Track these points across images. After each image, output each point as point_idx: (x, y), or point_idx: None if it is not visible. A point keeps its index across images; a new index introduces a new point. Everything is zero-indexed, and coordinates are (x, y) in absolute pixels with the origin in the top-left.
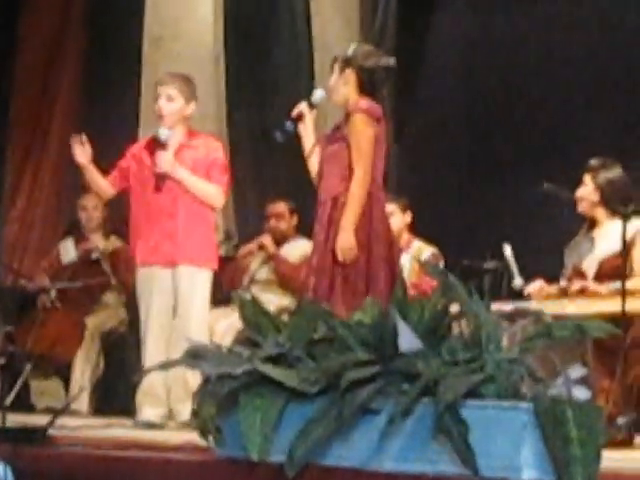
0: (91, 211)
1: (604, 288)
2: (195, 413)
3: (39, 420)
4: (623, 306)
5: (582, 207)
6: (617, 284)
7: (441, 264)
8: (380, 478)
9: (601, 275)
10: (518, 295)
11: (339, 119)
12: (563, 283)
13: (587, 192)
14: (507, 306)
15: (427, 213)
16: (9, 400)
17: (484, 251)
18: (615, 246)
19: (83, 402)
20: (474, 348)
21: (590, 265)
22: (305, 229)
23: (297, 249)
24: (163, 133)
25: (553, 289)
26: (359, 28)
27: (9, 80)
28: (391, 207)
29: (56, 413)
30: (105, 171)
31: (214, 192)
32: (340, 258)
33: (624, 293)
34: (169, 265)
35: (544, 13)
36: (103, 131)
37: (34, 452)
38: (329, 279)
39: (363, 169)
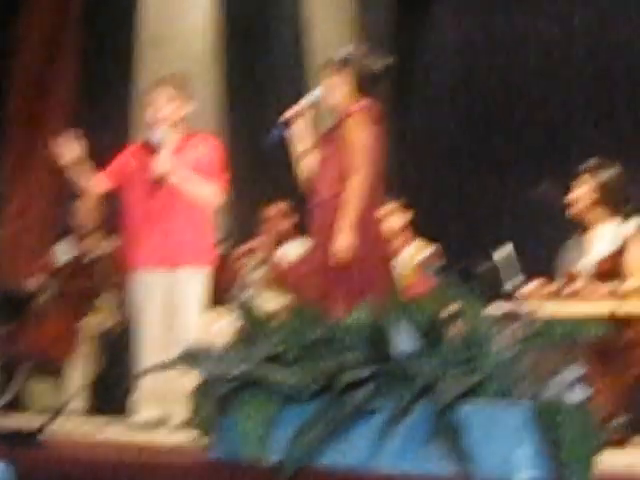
0: (88, 213)
1: (598, 290)
2: (192, 414)
3: (34, 422)
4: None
5: (577, 208)
6: (613, 285)
7: (439, 264)
8: (377, 479)
9: (597, 276)
10: (514, 297)
11: (335, 120)
12: (559, 284)
13: (583, 193)
14: (504, 307)
15: (426, 213)
16: (5, 401)
17: (483, 251)
18: (610, 247)
19: (78, 404)
20: (471, 349)
21: (585, 267)
22: (304, 230)
23: (295, 249)
24: (158, 134)
25: (550, 290)
26: (355, 29)
27: (6, 80)
28: (390, 207)
29: (52, 414)
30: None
31: (212, 192)
32: (339, 259)
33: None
34: (167, 267)
35: (544, 13)
36: (100, 131)
37: (30, 453)
38: (328, 280)
39: (362, 170)
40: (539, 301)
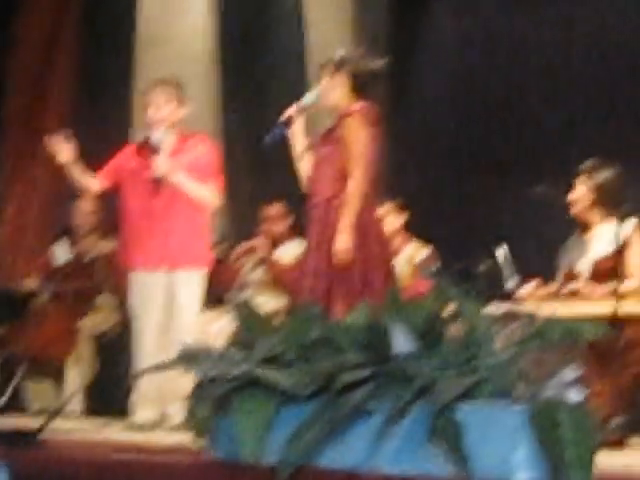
0: (86, 214)
1: (596, 290)
2: (189, 415)
3: (33, 422)
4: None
5: (576, 209)
6: (611, 285)
7: (436, 265)
8: None
9: (595, 276)
10: (512, 297)
11: (331, 122)
12: (557, 285)
13: (582, 194)
14: (502, 308)
15: (424, 213)
16: (3, 401)
17: (480, 252)
18: (609, 248)
19: (77, 404)
20: (468, 350)
21: (584, 267)
22: (300, 231)
23: (292, 251)
24: (155, 136)
25: (547, 291)
26: (354, 29)
27: (5, 80)
28: (386, 207)
29: (50, 415)
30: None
31: (209, 193)
32: (338, 260)
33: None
34: (166, 267)
35: (544, 13)
36: (97, 132)
37: (28, 454)
38: (327, 281)
39: (360, 171)
40: (537, 302)
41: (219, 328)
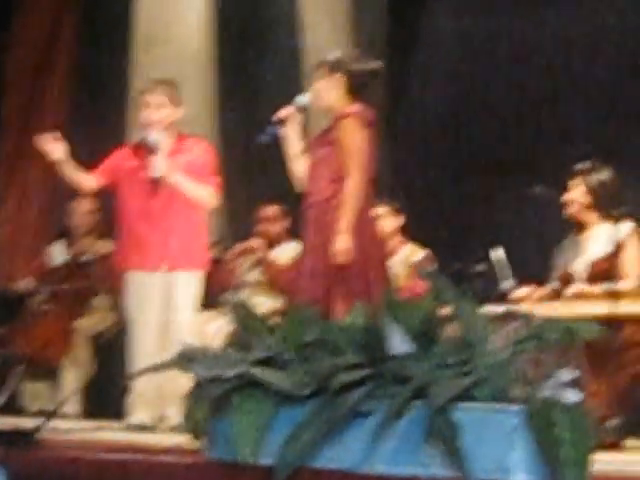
0: (83, 215)
1: (598, 289)
2: (186, 416)
3: (30, 423)
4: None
5: (572, 210)
6: (607, 286)
7: (433, 267)
8: None
9: (591, 277)
10: (508, 298)
11: (326, 123)
12: (554, 285)
13: (577, 195)
14: (498, 309)
15: (422, 214)
16: (0, 403)
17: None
18: (605, 249)
19: (74, 405)
20: (465, 351)
21: (580, 267)
22: (297, 232)
23: (288, 252)
24: (153, 137)
25: (544, 291)
26: (351, 30)
27: (2, 80)
28: (383, 210)
29: (47, 416)
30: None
31: (207, 194)
32: (338, 261)
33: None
34: (161, 269)
35: (544, 13)
36: (95, 132)
37: (25, 455)
38: (325, 282)
39: (357, 172)
40: (532, 304)
41: (216, 329)
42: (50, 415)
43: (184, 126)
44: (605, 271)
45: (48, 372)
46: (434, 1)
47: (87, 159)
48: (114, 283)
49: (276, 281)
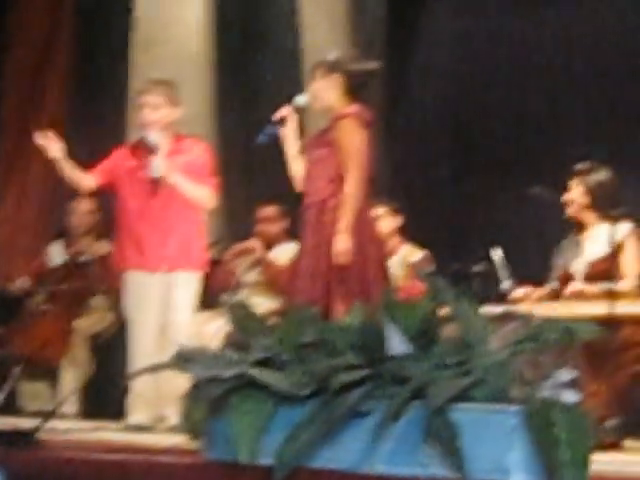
0: (82, 215)
1: (596, 289)
2: (184, 416)
3: (28, 423)
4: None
5: (571, 210)
6: (606, 286)
7: (431, 267)
8: None
9: (590, 278)
10: (507, 298)
11: (324, 123)
12: (553, 285)
13: (576, 195)
14: (497, 309)
15: (419, 216)
16: None
17: (476, 254)
18: (604, 249)
19: (72, 405)
20: (463, 351)
21: (579, 268)
22: (295, 232)
23: (286, 252)
24: (152, 137)
25: (543, 292)
26: (347, 32)
27: (0, 81)
28: (381, 210)
29: (45, 416)
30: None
31: (205, 194)
32: (338, 261)
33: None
34: (160, 269)
35: (543, 13)
36: (92, 133)
37: (23, 455)
38: (324, 283)
39: (356, 172)
40: (531, 304)
41: (215, 329)
42: (49, 415)
43: (183, 126)
44: (604, 271)
45: (47, 372)
46: (434, 1)
47: (86, 159)
48: (113, 283)
49: (275, 281)
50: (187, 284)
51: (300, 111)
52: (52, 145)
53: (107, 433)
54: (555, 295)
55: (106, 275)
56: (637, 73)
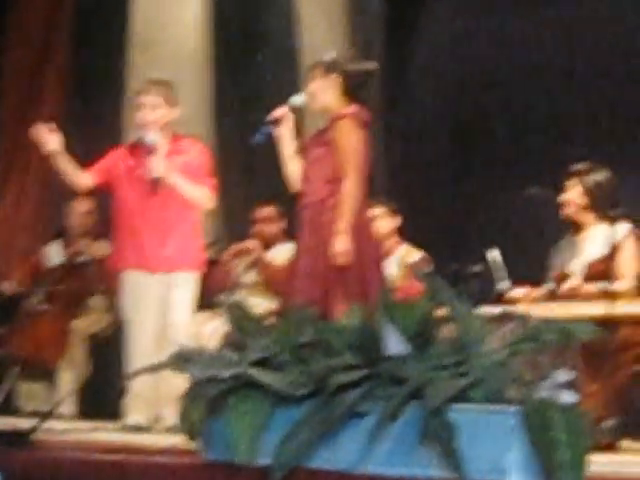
0: (80, 215)
1: (594, 288)
2: (182, 416)
3: (25, 423)
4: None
5: (568, 211)
6: (604, 286)
7: (429, 268)
8: None
9: (588, 278)
10: (504, 299)
11: (325, 123)
12: (550, 286)
13: (574, 196)
14: (494, 310)
15: (415, 217)
16: None
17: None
18: (602, 249)
19: (70, 405)
20: (461, 352)
21: (577, 268)
22: (293, 233)
23: (284, 253)
24: (151, 138)
25: (540, 292)
26: (346, 32)
27: None
28: (379, 210)
29: (43, 416)
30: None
31: (204, 195)
32: (338, 262)
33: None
34: (163, 270)
35: (543, 13)
36: (90, 133)
37: (20, 455)
38: (324, 283)
39: (355, 173)
40: (529, 305)
41: (212, 329)
42: (46, 416)
43: (180, 127)
44: (602, 272)
45: (44, 372)
46: (434, 1)
47: (84, 159)
48: (110, 284)
49: (273, 282)
50: (186, 284)
51: (297, 111)
52: (51, 137)
53: (105, 433)
54: (553, 296)
55: (104, 276)
56: (637, 73)
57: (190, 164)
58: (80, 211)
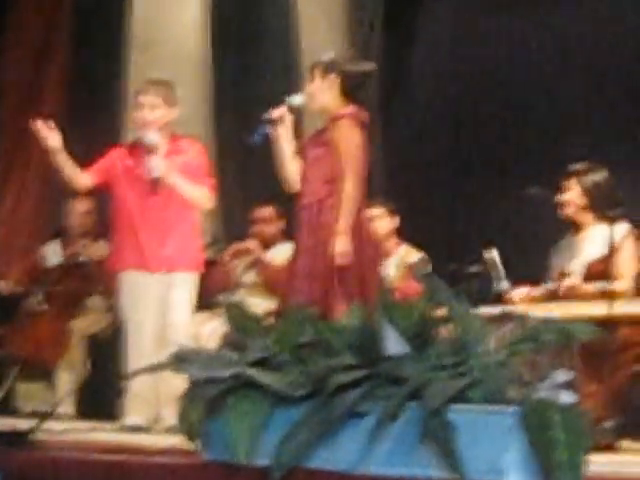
0: (79, 216)
1: (593, 288)
2: (181, 417)
3: (24, 424)
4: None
5: (568, 211)
6: (603, 286)
7: (428, 268)
8: None
9: (587, 278)
10: (504, 299)
11: (324, 123)
12: (550, 286)
13: (573, 196)
14: (494, 310)
15: (414, 217)
16: None
17: (471, 255)
18: (601, 250)
19: (69, 406)
20: (460, 352)
21: (576, 268)
22: (292, 233)
23: (283, 253)
24: (150, 137)
25: (539, 292)
26: (345, 32)
27: None
28: (378, 211)
29: (42, 417)
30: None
31: (203, 195)
32: (337, 262)
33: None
34: (157, 270)
35: (543, 13)
36: (89, 134)
37: (19, 455)
38: (323, 283)
39: (354, 174)
40: (528, 305)
41: (211, 329)
42: (45, 416)
43: (180, 127)
44: (601, 272)
45: (42, 373)
46: (433, 1)
47: (83, 159)
48: (109, 284)
49: (271, 282)
50: (185, 284)
51: (296, 111)
52: (51, 134)
53: (103, 434)
54: (552, 296)
55: (103, 276)
56: (637, 73)
57: (189, 164)
58: (79, 211)
